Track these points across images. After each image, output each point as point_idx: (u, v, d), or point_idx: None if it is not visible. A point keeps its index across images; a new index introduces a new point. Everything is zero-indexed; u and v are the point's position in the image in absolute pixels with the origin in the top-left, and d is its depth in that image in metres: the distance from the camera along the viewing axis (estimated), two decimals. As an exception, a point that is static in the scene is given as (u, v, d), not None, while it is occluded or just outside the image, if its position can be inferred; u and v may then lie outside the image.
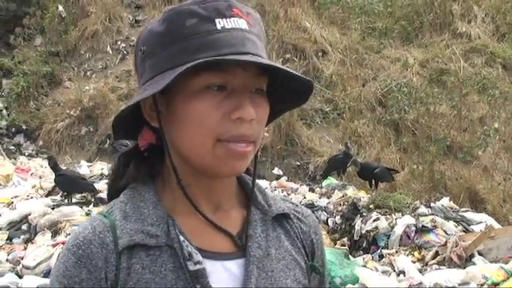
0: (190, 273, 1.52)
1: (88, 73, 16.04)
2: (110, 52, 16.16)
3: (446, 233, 8.56)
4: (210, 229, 1.61)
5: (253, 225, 1.65)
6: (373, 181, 10.84)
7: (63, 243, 8.42)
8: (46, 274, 7.93)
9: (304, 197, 10.17)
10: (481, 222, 9.14)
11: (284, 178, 11.53)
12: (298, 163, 14.30)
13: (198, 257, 1.54)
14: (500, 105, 15.77)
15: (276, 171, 13.49)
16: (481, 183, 14.44)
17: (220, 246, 1.60)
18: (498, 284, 6.93)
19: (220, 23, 1.53)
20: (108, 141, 14.25)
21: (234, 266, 1.59)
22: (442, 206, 9.53)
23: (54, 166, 9.98)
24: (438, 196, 13.38)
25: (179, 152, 1.59)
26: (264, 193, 1.74)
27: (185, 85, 1.54)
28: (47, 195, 10.50)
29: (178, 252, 1.53)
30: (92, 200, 9.85)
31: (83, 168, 12.16)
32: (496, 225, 8.98)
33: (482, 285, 7.05)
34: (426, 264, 7.93)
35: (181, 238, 1.55)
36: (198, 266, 1.53)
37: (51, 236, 9.00)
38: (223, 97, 1.53)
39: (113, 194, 1.69)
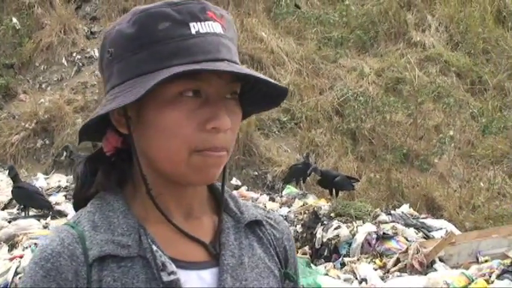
0: (164, 284, 1.47)
1: (43, 85, 15.84)
2: (66, 64, 15.99)
3: (407, 239, 8.62)
4: (182, 238, 1.56)
5: (225, 232, 1.61)
6: (333, 190, 10.86)
7: (20, 257, 8.33)
8: (3, 289, 7.82)
9: (265, 207, 10.13)
10: (441, 228, 9.23)
11: (244, 188, 11.51)
12: (257, 173, 14.29)
13: (171, 267, 1.49)
14: (455, 113, 15.95)
15: (235, 181, 13.46)
16: (437, 190, 14.59)
17: (193, 255, 1.55)
18: (459, 289, 6.99)
19: (194, 27, 1.48)
20: (64, 153, 14.08)
21: (208, 275, 1.54)
22: (402, 213, 9.62)
23: (14, 177, 9.85)
24: (396, 204, 13.50)
25: (150, 160, 1.54)
26: (236, 200, 1.70)
27: (158, 92, 1.47)
28: (3, 209, 10.37)
29: (151, 262, 1.48)
30: (50, 213, 9.72)
31: (40, 181, 12.02)
32: (456, 232, 9.07)
33: (443, 291, 7.11)
34: (388, 272, 7.98)
35: (154, 248, 1.50)
36: (172, 277, 1.48)
37: (8, 250, 8.87)
38: (198, 105, 1.48)
39: (80, 203, 1.63)
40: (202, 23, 1.49)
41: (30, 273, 1.46)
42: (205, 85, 1.48)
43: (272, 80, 1.52)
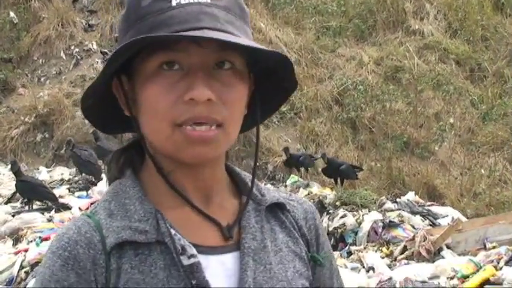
0: (184, 268, 1.43)
1: (42, 79, 15.81)
2: (64, 57, 15.94)
3: (413, 227, 8.62)
4: (201, 222, 1.51)
5: (246, 216, 1.55)
6: (338, 179, 10.86)
7: (25, 250, 8.33)
8: (9, 283, 7.81)
9: (264, 186, 10.14)
10: (447, 215, 9.22)
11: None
12: (257, 163, 14.29)
13: (191, 250, 1.44)
14: (454, 101, 15.98)
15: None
16: (438, 178, 14.63)
17: (213, 240, 1.50)
18: (468, 276, 6.99)
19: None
20: (64, 147, 14.06)
21: (229, 260, 1.49)
22: (408, 200, 9.61)
23: (17, 171, 9.83)
24: (397, 192, 13.51)
25: (149, 141, 1.51)
26: (257, 183, 1.62)
27: (141, 69, 1.46)
28: (6, 203, 10.35)
29: (170, 247, 1.44)
30: (54, 206, 9.70)
31: (43, 174, 12.00)
32: (463, 219, 9.07)
33: (451, 278, 7.10)
34: (395, 260, 7.98)
35: (173, 232, 1.45)
36: (192, 260, 1.44)
37: (13, 244, 8.87)
38: (178, 78, 1.43)
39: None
40: None
41: (48, 262, 1.43)
42: (184, 56, 1.43)
43: (256, 44, 1.45)
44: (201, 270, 1.44)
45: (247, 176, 1.62)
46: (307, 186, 10.96)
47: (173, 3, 1.44)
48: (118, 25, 1.55)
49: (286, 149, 12.52)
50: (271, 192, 1.64)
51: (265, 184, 10.76)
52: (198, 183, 1.53)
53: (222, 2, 1.46)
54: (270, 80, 1.58)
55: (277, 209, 1.61)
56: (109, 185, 1.60)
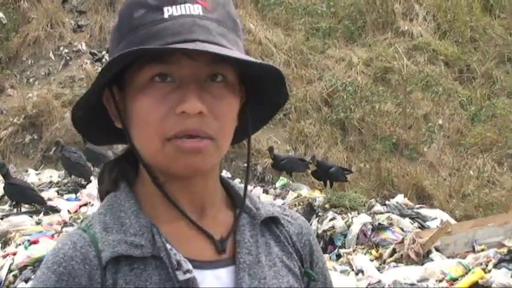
0: (180, 284, 1.42)
1: (31, 80, 15.76)
2: (53, 58, 15.90)
3: (402, 230, 8.65)
4: (195, 236, 1.51)
5: (241, 230, 1.54)
6: (327, 181, 10.87)
7: (13, 254, 8.30)
8: (-3, 286, 7.81)
9: (259, 199, 10.11)
10: (436, 218, 9.25)
11: (237, 180, 11.49)
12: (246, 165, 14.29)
13: (187, 265, 1.43)
14: (443, 102, 16.02)
15: (224, 173, 13.45)
16: (427, 179, 14.66)
17: (207, 254, 1.50)
18: (456, 279, 7.01)
19: (168, 11, 1.43)
20: (53, 148, 14.03)
21: (225, 274, 1.49)
22: (397, 203, 9.63)
23: (5, 174, 9.80)
24: (386, 193, 13.55)
25: (141, 153, 1.50)
26: (251, 197, 1.62)
27: (133, 80, 1.46)
28: (-6, 205, 10.33)
29: (165, 261, 1.43)
30: (42, 209, 9.68)
31: (31, 176, 11.97)
32: (451, 221, 9.10)
33: (440, 281, 7.12)
34: (384, 262, 8.00)
35: (168, 246, 1.45)
36: (188, 275, 1.43)
37: (1, 247, 8.85)
38: (170, 90, 1.43)
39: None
40: (178, 6, 1.44)
41: (42, 278, 1.43)
42: (176, 68, 1.43)
43: (249, 58, 1.45)
44: (196, 285, 1.43)
45: (241, 189, 1.61)
46: (297, 188, 10.97)
47: (166, 15, 1.43)
48: (110, 35, 1.54)
49: (270, 149, 12.41)
50: (266, 206, 1.64)
51: (254, 186, 10.78)
52: (191, 196, 1.52)
53: (214, 14, 1.46)
54: (261, 92, 1.57)
55: (271, 223, 1.61)
56: (100, 197, 1.59)
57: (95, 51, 16.04)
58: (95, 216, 1.51)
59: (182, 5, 1.44)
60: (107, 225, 1.47)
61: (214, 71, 1.45)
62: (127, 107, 1.49)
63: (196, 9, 1.44)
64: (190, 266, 1.44)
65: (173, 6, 1.44)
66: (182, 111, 1.41)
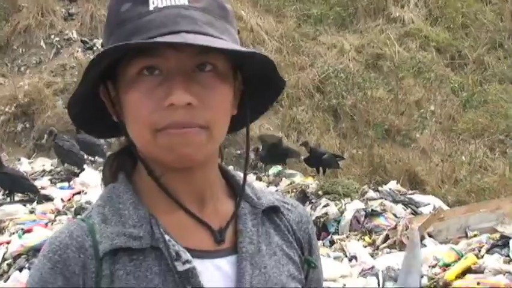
0: (179, 274, 1.43)
1: (22, 68, 15.69)
2: (44, 47, 15.82)
3: (395, 216, 8.67)
4: (195, 226, 1.52)
5: (242, 219, 1.55)
6: (320, 168, 10.86)
7: (7, 242, 8.29)
8: (-9, 275, 7.80)
9: (259, 188, 10.10)
10: (429, 204, 9.28)
11: (231, 167, 11.49)
12: (239, 152, 14.27)
13: (186, 255, 1.45)
14: (435, 88, 16.03)
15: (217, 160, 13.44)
16: (419, 165, 14.67)
17: (207, 244, 1.51)
18: (449, 265, 7.03)
19: (153, 3, 1.43)
20: (45, 136, 13.99)
21: (226, 264, 1.50)
22: (390, 189, 9.65)
23: (-2, 163, 9.80)
24: (378, 179, 13.56)
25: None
26: (252, 186, 1.64)
27: (123, 74, 1.47)
28: (-13, 195, 10.30)
29: (164, 253, 1.44)
30: (36, 197, 9.66)
31: (24, 165, 11.94)
32: (444, 207, 9.12)
33: (433, 266, 7.15)
34: (378, 248, 8.01)
35: (167, 237, 1.45)
36: (187, 266, 1.44)
37: (-5, 236, 8.84)
38: (158, 83, 1.43)
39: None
40: None
41: (38, 265, 1.45)
42: (163, 61, 1.43)
43: (233, 46, 1.45)
44: (196, 275, 1.44)
45: (241, 178, 1.62)
46: (290, 175, 10.98)
47: (151, 7, 1.43)
48: (102, 32, 1.54)
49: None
50: (266, 194, 1.65)
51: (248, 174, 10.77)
52: (190, 187, 1.53)
53: (200, 3, 1.46)
54: (258, 81, 1.57)
55: (272, 212, 1.62)
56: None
57: (87, 40, 15.96)
58: (94, 208, 1.52)
59: None
60: (105, 216, 1.48)
61: (202, 61, 1.45)
62: (121, 101, 1.50)
63: (181, 0, 1.44)
64: (189, 257, 1.45)
65: None
66: (171, 104, 1.41)
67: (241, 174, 1.63)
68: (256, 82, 1.57)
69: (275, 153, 11.38)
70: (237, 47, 1.46)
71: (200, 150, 1.46)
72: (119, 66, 1.47)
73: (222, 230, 1.53)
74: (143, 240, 1.45)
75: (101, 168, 1.68)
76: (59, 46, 15.86)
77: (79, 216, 1.54)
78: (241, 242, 1.52)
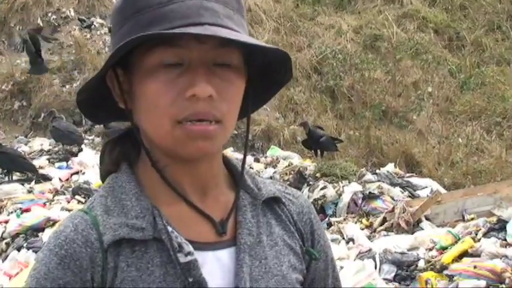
0: (181, 266, 1.43)
1: (19, 46, 15.63)
2: (41, 24, 15.75)
3: (393, 199, 8.67)
4: (196, 218, 1.52)
5: (242, 210, 1.55)
6: (318, 150, 10.85)
7: (5, 222, 8.29)
8: (-11, 255, 7.82)
9: (251, 167, 10.11)
10: (426, 187, 9.29)
11: (230, 149, 11.46)
12: (236, 132, 14.25)
13: (188, 247, 1.45)
14: (433, 70, 16.04)
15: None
16: (416, 147, 14.72)
17: (208, 236, 1.51)
18: (446, 248, 7.04)
19: None
20: (43, 115, 13.99)
21: (225, 255, 1.50)
22: (388, 172, 9.65)
23: (-5, 142, 9.78)
24: (375, 161, 13.59)
25: (147, 135, 1.51)
26: (253, 177, 1.63)
27: (141, 63, 1.45)
28: (-14, 174, 10.28)
29: (167, 244, 1.44)
30: (34, 176, 9.66)
31: (22, 145, 11.92)
32: (442, 190, 9.14)
33: (430, 249, 7.16)
34: (375, 231, 8.01)
35: (169, 229, 1.45)
36: (189, 258, 1.44)
37: (-8, 215, 8.84)
38: (179, 74, 1.43)
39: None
40: None
41: (45, 260, 1.44)
42: (185, 52, 1.43)
43: (258, 42, 1.46)
44: (197, 267, 1.44)
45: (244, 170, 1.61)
46: (287, 157, 10.97)
47: None
48: (112, 16, 1.53)
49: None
50: (267, 185, 1.64)
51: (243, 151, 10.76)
52: (194, 178, 1.53)
53: None
54: (263, 72, 1.58)
55: (273, 203, 1.62)
56: (101, 177, 1.60)
57: (84, 18, 15.92)
58: (96, 198, 1.52)
59: None
60: (108, 207, 1.48)
61: (222, 54, 1.45)
62: (134, 89, 1.49)
63: None
64: (191, 249, 1.45)
65: None
66: (192, 95, 1.41)
67: (245, 167, 1.63)
68: (260, 74, 1.58)
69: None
70: (262, 42, 1.46)
71: (215, 144, 1.47)
72: (134, 54, 1.46)
73: (223, 221, 1.53)
74: (146, 231, 1.45)
75: (99, 148, 1.66)
76: (56, 24, 15.80)
77: (81, 208, 1.53)
78: (240, 233, 1.52)
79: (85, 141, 11.82)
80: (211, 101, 1.43)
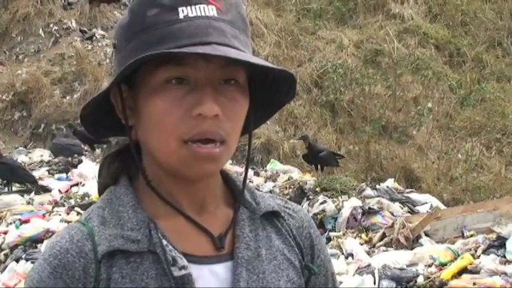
0: (175, 280, 1.43)
1: (20, 57, 15.69)
2: (43, 35, 15.82)
3: (392, 214, 8.66)
4: (194, 231, 1.51)
5: (240, 224, 1.55)
6: (318, 165, 10.84)
7: (4, 232, 8.29)
8: (-11, 266, 7.80)
9: (251, 181, 10.09)
10: (426, 203, 9.29)
11: (229, 162, 11.45)
12: (236, 145, 14.28)
13: (182, 261, 1.44)
14: (433, 85, 16.07)
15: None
16: (415, 162, 14.72)
17: (205, 250, 1.50)
18: (446, 264, 7.04)
19: (183, 12, 1.43)
20: (42, 126, 14.01)
21: (222, 270, 1.50)
22: (387, 187, 9.65)
23: (-5, 152, 9.79)
24: (374, 176, 13.59)
25: (150, 152, 1.51)
26: (252, 191, 1.62)
27: (146, 81, 1.45)
28: (-15, 184, 10.28)
29: (161, 257, 1.44)
30: (34, 187, 9.66)
31: (22, 156, 11.93)
32: (441, 206, 9.14)
33: (429, 266, 7.16)
34: (374, 246, 8.00)
35: (164, 242, 1.45)
36: (183, 272, 1.43)
37: (-8, 226, 8.83)
38: (185, 92, 1.42)
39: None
40: (193, 6, 1.44)
41: (38, 269, 1.44)
42: (192, 70, 1.43)
43: (265, 62, 1.46)
44: (191, 282, 1.44)
45: (241, 183, 1.61)
46: (287, 171, 10.97)
47: (181, 15, 1.43)
48: (117, 32, 1.53)
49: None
50: (266, 199, 1.63)
51: (244, 167, 10.75)
52: (192, 195, 1.53)
53: (228, 16, 1.46)
54: (265, 91, 1.58)
55: (273, 216, 1.61)
56: (99, 191, 1.60)
57: (85, 29, 15.97)
58: (94, 210, 1.52)
59: (197, 6, 1.43)
60: (105, 219, 1.48)
61: (228, 74, 1.46)
62: (139, 106, 1.49)
63: (210, 11, 1.44)
64: (185, 263, 1.45)
65: (188, 7, 1.43)
66: (199, 114, 1.41)
67: (240, 177, 1.63)
68: (263, 93, 1.58)
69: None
70: (269, 64, 1.46)
71: (219, 165, 1.49)
72: (140, 71, 1.46)
73: (221, 236, 1.53)
74: (141, 243, 1.45)
75: (99, 160, 1.66)
76: (57, 35, 15.87)
77: (79, 219, 1.54)
78: (237, 247, 1.52)
79: (85, 153, 11.83)
80: (217, 120, 1.43)
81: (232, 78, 1.46)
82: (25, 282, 1.48)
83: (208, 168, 1.46)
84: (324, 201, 8.94)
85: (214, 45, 1.41)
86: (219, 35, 1.43)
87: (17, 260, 7.61)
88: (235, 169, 11.03)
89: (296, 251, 1.61)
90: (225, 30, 1.44)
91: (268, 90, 1.58)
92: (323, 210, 8.82)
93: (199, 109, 1.41)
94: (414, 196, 9.65)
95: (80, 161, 10.91)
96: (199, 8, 1.44)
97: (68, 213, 8.74)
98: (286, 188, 9.82)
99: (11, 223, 8.53)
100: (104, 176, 1.59)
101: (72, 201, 9.19)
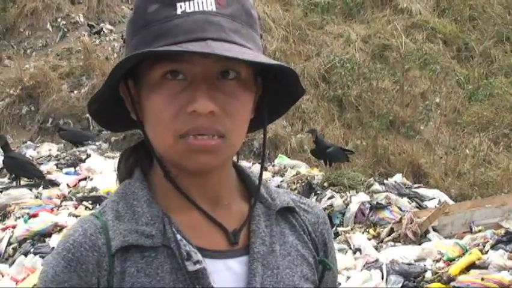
0: (189, 274, 1.43)
1: (28, 51, 15.71)
2: (51, 30, 15.84)
3: (400, 209, 8.66)
4: (209, 226, 1.51)
5: (256, 220, 1.54)
6: (326, 160, 10.82)
7: (13, 227, 8.32)
8: (-3, 259, 7.84)
9: (275, 188, 10.05)
10: (434, 198, 9.28)
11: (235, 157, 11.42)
12: (243, 140, 14.27)
13: (197, 256, 1.44)
14: (441, 80, 16.03)
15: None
16: (423, 157, 14.69)
17: (220, 244, 1.50)
18: (454, 259, 7.04)
19: (181, 7, 1.42)
20: (50, 120, 14.03)
21: (237, 265, 1.49)
22: (395, 182, 9.64)
23: (4, 146, 9.77)
24: (382, 171, 13.58)
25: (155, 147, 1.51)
26: (267, 186, 1.62)
27: (147, 77, 1.46)
28: (-7, 178, 10.32)
29: (175, 252, 1.45)
30: (42, 182, 9.68)
31: (30, 150, 11.95)
32: (449, 201, 9.12)
33: (437, 261, 7.15)
34: (382, 241, 8.01)
35: (178, 237, 1.45)
36: (197, 266, 1.43)
37: (1, 220, 8.87)
38: (182, 88, 1.42)
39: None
40: (191, 1, 1.43)
41: (52, 263, 1.44)
42: (188, 66, 1.42)
43: (258, 57, 1.44)
44: (206, 276, 1.44)
45: (256, 178, 1.61)
46: (295, 166, 10.95)
47: (179, 11, 1.42)
48: (126, 27, 1.54)
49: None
50: (281, 195, 1.63)
51: (252, 163, 10.74)
52: (205, 189, 1.52)
53: (227, 10, 1.45)
54: (278, 85, 1.57)
55: (287, 212, 1.61)
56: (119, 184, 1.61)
57: (93, 23, 15.98)
58: (108, 203, 1.52)
59: (196, 1, 1.43)
60: (119, 213, 1.49)
61: (227, 67, 1.44)
62: (142, 102, 1.50)
63: (209, 5, 1.43)
64: (200, 257, 1.45)
65: (187, 2, 1.43)
66: (193, 110, 1.41)
67: (255, 172, 1.63)
68: (275, 88, 1.57)
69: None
70: (262, 58, 1.45)
71: (217, 157, 1.46)
72: (142, 66, 1.47)
73: (236, 231, 1.53)
74: (155, 238, 1.45)
75: (107, 154, 1.66)
76: (65, 29, 15.89)
77: (93, 212, 1.54)
78: (253, 242, 1.52)
79: (93, 147, 11.85)
80: (212, 117, 1.42)
81: (231, 70, 1.45)
82: (39, 276, 1.48)
83: (205, 160, 1.44)
84: (332, 196, 8.94)
85: (209, 41, 1.40)
86: (216, 30, 1.42)
87: (26, 254, 7.63)
88: (243, 164, 11.04)
89: (310, 247, 1.62)
90: (223, 25, 1.43)
91: (279, 84, 1.56)
92: (331, 205, 8.83)
93: (192, 106, 1.41)
94: (422, 191, 9.65)
95: (88, 155, 10.93)
96: (198, 2, 1.43)
97: (76, 207, 8.77)
98: (294, 182, 9.81)
99: (19, 217, 8.56)
100: (121, 171, 1.59)
101: (80, 195, 9.19)
